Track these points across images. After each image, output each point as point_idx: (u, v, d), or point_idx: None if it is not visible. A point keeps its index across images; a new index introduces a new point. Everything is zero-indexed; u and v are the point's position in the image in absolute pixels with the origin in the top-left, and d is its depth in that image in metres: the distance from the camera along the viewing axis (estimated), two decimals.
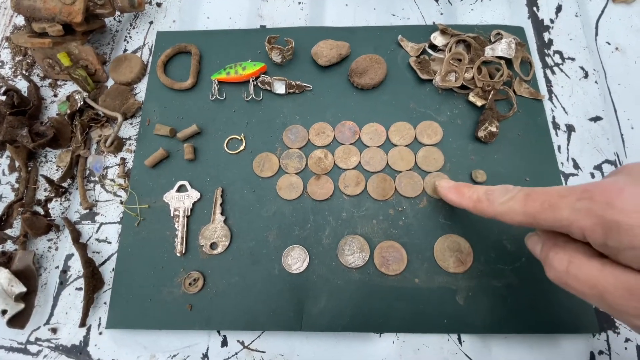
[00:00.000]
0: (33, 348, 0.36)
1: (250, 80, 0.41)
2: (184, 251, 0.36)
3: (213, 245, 0.37)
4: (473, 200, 0.28)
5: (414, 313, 0.34)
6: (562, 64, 0.43)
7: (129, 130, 0.43)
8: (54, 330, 0.36)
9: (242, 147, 0.40)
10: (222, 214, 0.38)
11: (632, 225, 0.15)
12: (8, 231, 0.39)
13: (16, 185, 0.42)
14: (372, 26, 0.45)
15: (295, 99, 0.42)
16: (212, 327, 0.34)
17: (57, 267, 0.38)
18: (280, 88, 0.41)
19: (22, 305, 0.36)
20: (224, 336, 0.35)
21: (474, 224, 0.36)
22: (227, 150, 0.40)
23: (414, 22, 0.46)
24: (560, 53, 0.44)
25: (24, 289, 0.36)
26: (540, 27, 0.45)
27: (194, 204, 0.38)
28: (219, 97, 0.42)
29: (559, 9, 0.46)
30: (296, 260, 0.36)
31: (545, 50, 0.44)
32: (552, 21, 0.46)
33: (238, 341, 0.35)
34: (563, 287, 0.21)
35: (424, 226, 0.36)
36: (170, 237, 0.37)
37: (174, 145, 0.41)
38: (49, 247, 0.39)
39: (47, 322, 0.36)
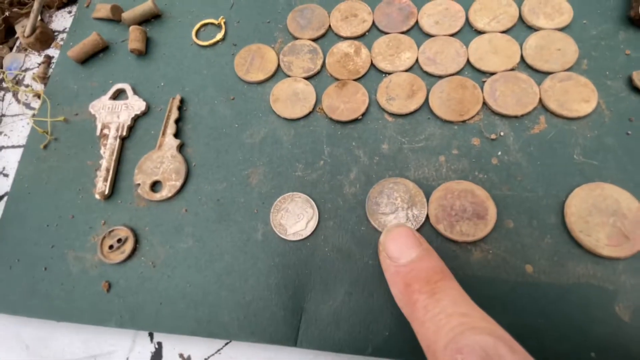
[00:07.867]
0: None
1: None
2: (108, 193, 0.22)
3: (156, 186, 0.22)
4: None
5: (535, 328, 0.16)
6: None
7: (65, 19, 0.29)
8: None
9: (219, 36, 0.25)
10: (175, 136, 0.22)
11: None
12: None
13: None
14: None
15: None
16: (140, 326, 0.19)
17: None
18: None
19: None
20: (159, 343, 0.20)
21: None
22: (196, 40, 0.25)
23: None
24: None
25: None
26: None
27: (136, 119, 0.23)
28: None
29: None
30: (296, 218, 0.20)
31: None
32: None
33: (181, 356, 0.19)
34: None
35: (543, 167, 0.19)
36: (92, 168, 0.23)
37: (118, 34, 0.26)
38: None
39: None
